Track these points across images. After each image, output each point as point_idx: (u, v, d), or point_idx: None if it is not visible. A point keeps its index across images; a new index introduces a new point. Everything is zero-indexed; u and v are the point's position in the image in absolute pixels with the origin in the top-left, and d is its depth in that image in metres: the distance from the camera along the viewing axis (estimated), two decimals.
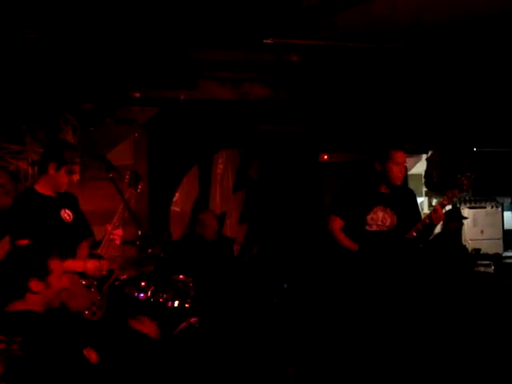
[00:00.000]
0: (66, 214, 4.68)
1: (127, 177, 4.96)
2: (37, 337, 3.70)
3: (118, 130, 7.16)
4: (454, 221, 7.73)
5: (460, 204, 8.93)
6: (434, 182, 8.76)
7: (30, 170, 6.41)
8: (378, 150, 5.28)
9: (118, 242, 4.84)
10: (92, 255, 4.65)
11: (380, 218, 5.18)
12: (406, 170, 5.37)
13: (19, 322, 3.63)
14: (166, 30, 5.94)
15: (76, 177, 4.65)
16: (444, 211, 5.23)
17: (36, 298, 3.70)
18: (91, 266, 4.55)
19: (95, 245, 4.76)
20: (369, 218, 5.18)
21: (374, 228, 5.18)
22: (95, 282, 4.62)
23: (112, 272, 4.81)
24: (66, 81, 6.44)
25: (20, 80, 6.28)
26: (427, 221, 5.13)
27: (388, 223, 5.19)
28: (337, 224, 5.27)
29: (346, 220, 5.26)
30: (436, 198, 9.13)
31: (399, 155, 5.18)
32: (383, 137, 7.64)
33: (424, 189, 9.35)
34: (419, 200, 10.01)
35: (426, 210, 9.24)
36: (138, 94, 6.95)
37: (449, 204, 5.30)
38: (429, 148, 8.74)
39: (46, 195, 4.62)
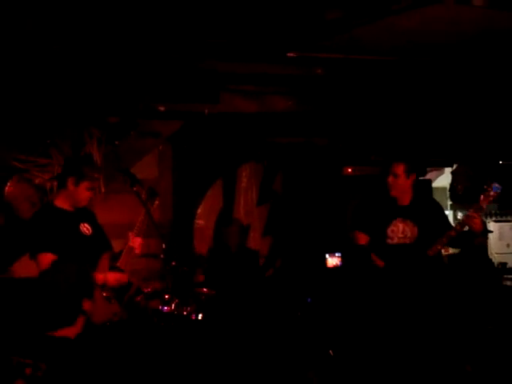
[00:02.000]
0: (85, 228, 4.81)
1: (144, 192, 5.06)
2: (62, 365, 3.75)
3: (143, 143, 7.23)
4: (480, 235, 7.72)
5: (486, 217, 8.92)
6: (460, 196, 8.75)
7: (56, 184, 6.52)
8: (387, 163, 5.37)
9: (137, 251, 4.93)
10: (112, 268, 4.76)
11: (400, 230, 5.21)
12: (411, 183, 5.37)
13: (50, 348, 3.67)
14: (189, 44, 6.01)
15: (95, 193, 4.76)
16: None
17: (82, 320, 3.66)
18: (112, 277, 4.66)
19: (115, 258, 4.86)
20: (389, 230, 5.22)
21: (396, 241, 5.22)
22: (115, 294, 4.73)
23: (131, 284, 4.91)
24: (91, 94, 6.52)
25: (45, 93, 6.36)
26: (453, 234, 5.14)
27: (409, 235, 5.21)
28: (362, 239, 5.35)
29: (369, 234, 5.32)
30: (461, 211, 9.11)
31: (395, 165, 5.25)
32: (406, 149, 7.68)
33: (449, 202, 9.34)
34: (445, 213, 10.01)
35: (452, 223, 9.23)
36: (162, 108, 7.00)
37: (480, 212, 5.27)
38: (453, 161, 8.74)
39: (64, 210, 4.73)
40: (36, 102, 6.43)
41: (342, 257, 7.43)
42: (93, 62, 6.21)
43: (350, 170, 7.92)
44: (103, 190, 6.57)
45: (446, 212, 9.32)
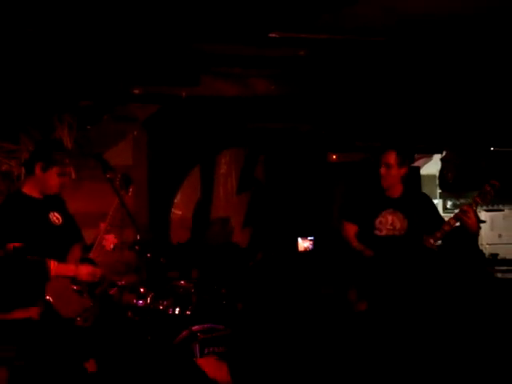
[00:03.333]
0: (55, 217, 4.66)
1: (118, 180, 4.92)
2: (33, 345, 3.75)
3: (117, 128, 7.15)
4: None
5: (476, 207, 8.87)
6: (450, 184, 8.74)
7: (23, 171, 6.39)
8: (379, 152, 5.33)
9: (108, 248, 4.81)
10: (84, 260, 4.63)
11: (389, 222, 5.17)
12: (403, 174, 5.32)
13: (20, 330, 3.67)
14: (167, 23, 5.90)
15: (67, 179, 4.61)
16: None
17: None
18: (84, 270, 4.54)
19: (86, 249, 4.74)
20: (377, 221, 5.19)
21: (384, 233, 5.18)
22: (87, 288, 4.60)
23: (104, 278, 4.79)
24: (62, 77, 6.42)
25: (15, 76, 6.26)
26: (446, 228, 5.08)
27: (398, 227, 5.16)
28: (350, 229, 5.34)
29: (357, 225, 5.29)
30: (451, 200, 9.08)
31: (386, 155, 5.20)
32: (393, 135, 7.63)
33: (438, 190, 9.31)
34: (434, 202, 9.98)
35: (440, 213, 9.17)
36: (137, 91, 6.91)
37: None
38: (443, 147, 8.71)
39: (33, 197, 4.58)
40: (5, 86, 6.30)
41: (315, 240, 7.41)
42: (64, 44, 6.10)
43: (334, 156, 7.88)
44: (74, 176, 6.42)
45: (435, 201, 9.29)
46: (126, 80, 6.78)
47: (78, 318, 4.48)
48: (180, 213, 7.63)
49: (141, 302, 5.64)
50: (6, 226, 4.39)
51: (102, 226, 4.81)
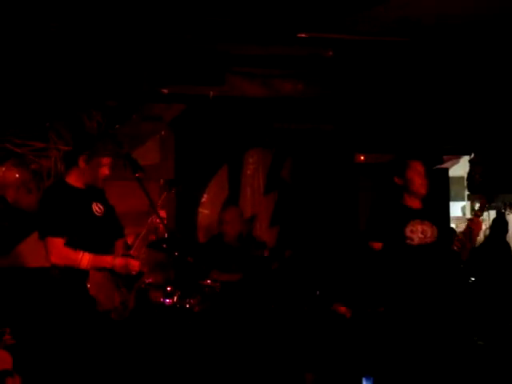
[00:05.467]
0: (98, 208, 4.72)
1: (162, 182, 5.04)
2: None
3: (144, 127, 7.21)
4: (500, 228, 7.73)
5: (505, 209, 8.89)
6: (477, 186, 8.71)
7: (53, 168, 6.50)
8: (395, 163, 5.29)
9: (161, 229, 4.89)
10: (125, 255, 4.72)
11: (420, 230, 5.08)
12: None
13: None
14: (194, 24, 5.97)
15: (106, 170, 4.70)
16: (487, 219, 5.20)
17: None
18: (119, 262, 4.59)
19: (128, 247, 4.82)
20: (407, 230, 5.06)
21: (417, 241, 5.06)
22: (124, 281, 4.68)
23: (142, 274, 4.88)
24: (92, 77, 6.48)
25: (45, 76, 6.34)
26: (467, 231, 5.12)
27: (429, 235, 5.09)
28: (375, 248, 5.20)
29: (384, 242, 5.16)
30: (479, 202, 9.07)
31: (417, 164, 5.14)
32: (421, 136, 7.63)
33: (466, 192, 9.30)
34: (461, 204, 9.98)
35: (468, 215, 9.21)
36: (165, 91, 6.95)
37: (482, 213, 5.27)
38: (471, 149, 8.70)
39: (76, 187, 4.66)
40: (35, 85, 6.39)
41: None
42: (94, 43, 6.17)
43: (362, 157, 7.88)
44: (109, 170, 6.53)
45: (463, 203, 9.33)
46: (153, 80, 6.81)
47: (114, 311, 4.58)
48: (207, 212, 7.68)
49: (168, 300, 5.74)
50: (51, 216, 4.49)
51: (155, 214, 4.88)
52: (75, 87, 6.54)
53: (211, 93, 7.08)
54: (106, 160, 4.67)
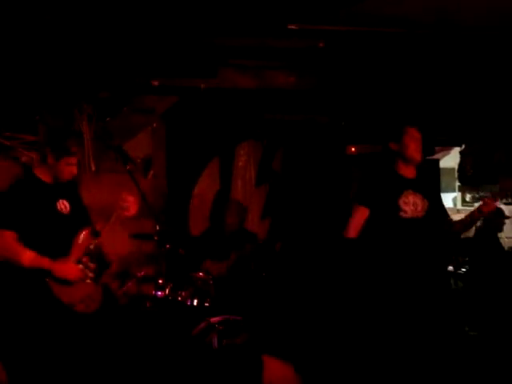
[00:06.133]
0: (63, 206, 4.71)
1: (138, 163, 5.01)
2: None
3: (136, 120, 7.17)
4: (495, 217, 7.73)
5: (496, 199, 8.88)
6: (468, 177, 8.72)
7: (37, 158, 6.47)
8: (391, 129, 5.25)
9: (133, 211, 4.84)
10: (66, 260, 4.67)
11: (411, 202, 5.02)
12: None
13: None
14: (185, 16, 5.95)
15: (74, 169, 4.70)
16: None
17: None
18: (57, 267, 4.54)
19: (96, 234, 4.79)
20: (401, 201, 4.99)
21: (410, 214, 5.00)
22: (91, 274, 4.69)
23: (109, 264, 4.86)
24: (83, 69, 6.46)
25: (34, 68, 6.31)
26: (476, 213, 5.09)
27: (420, 208, 5.03)
28: (359, 215, 5.11)
29: (372, 209, 5.08)
30: (470, 193, 9.09)
31: (414, 130, 5.09)
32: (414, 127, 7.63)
33: (457, 183, 9.32)
34: (452, 195, 10.00)
35: (459, 206, 9.22)
36: (156, 83, 6.93)
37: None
38: (462, 140, 8.71)
39: (43, 181, 4.67)
40: (24, 77, 6.36)
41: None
42: (86, 35, 6.14)
43: (353, 149, 7.88)
44: (94, 168, 6.53)
45: (454, 194, 9.34)
46: (144, 72, 6.81)
47: (79, 304, 4.57)
48: (198, 204, 7.66)
49: (159, 292, 5.73)
50: (5, 205, 4.49)
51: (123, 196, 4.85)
52: (66, 79, 6.52)
53: (202, 85, 7.07)
54: (73, 159, 4.68)
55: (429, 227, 5.05)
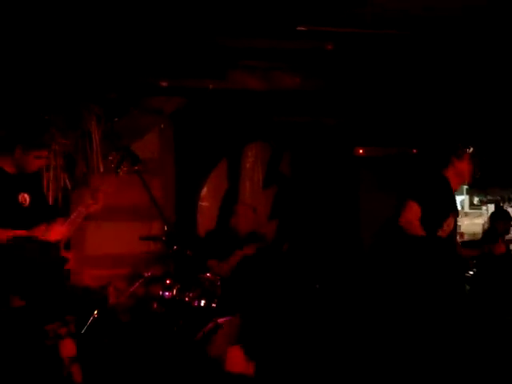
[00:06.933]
0: (23, 198, 4.69)
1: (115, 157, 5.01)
2: None
3: (144, 120, 7.18)
4: (503, 220, 7.72)
5: (504, 203, 8.89)
6: (476, 180, 8.70)
7: (53, 162, 6.47)
8: (454, 142, 5.25)
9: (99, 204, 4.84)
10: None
11: (447, 223, 5.08)
12: None
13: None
14: (194, 17, 5.95)
15: (43, 161, 4.73)
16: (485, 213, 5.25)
17: None
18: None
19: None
20: (445, 224, 5.05)
21: (444, 234, 5.05)
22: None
23: (66, 261, 4.84)
24: (91, 69, 6.46)
25: (43, 68, 6.31)
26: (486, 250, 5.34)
27: (451, 228, 5.11)
28: (416, 212, 4.99)
29: (423, 211, 5.02)
30: (478, 196, 9.08)
31: (467, 151, 5.24)
32: (420, 131, 7.63)
33: (465, 186, 9.30)
34: (460, 198, 9.99)
35: (466, 209, 9.20)
36: (165, 83, 6.92)
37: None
38: (470, 143, 8.67)
39: (7, 172, 4.65)
40: (33, 77, 6.36)
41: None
42: (94, 35, 6.13)
43: (361, 151, 7.88)
44: (102, 169, 6.53)
45: (462, 197, 9.31)
46: (153, 73, 6.82)
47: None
48: (207, 205, 7.69)
49: (167, 293, 5.75)
50: None
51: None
52: (74, 80, 6.51)
53: (210, 86, 7.07)
54: (43, 152, 4.69)
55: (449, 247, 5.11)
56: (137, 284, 6.17)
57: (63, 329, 4.52)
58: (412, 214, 4.95)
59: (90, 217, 4.91)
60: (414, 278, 4.98)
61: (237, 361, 5.39)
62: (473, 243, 7.66)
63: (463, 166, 5.18)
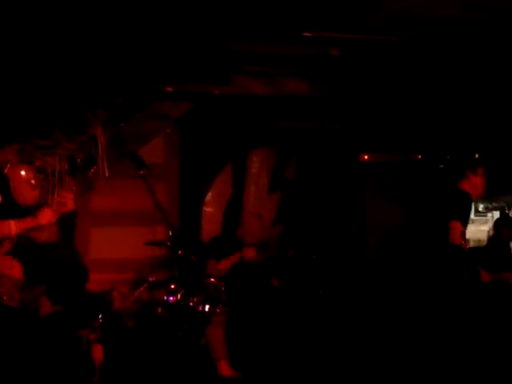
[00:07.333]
0: None
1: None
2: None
3: (150, 125, 7.21)
4: (508, 227, 7.70)
5: (509, 209, 8.87)
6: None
7: (58, 166, 6.49)
8: (469, 156, 5.35)
9: (70, 207, 4.92)
10: None
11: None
12: None
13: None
14: (199, 22, 5.96)
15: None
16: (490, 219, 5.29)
17: None
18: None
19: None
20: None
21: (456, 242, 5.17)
22: None
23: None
24: (97, 74, 6.47)
25: (50, 73, 6.33)
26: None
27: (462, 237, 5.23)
28: (459, 230, 5.22)
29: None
30: (483, 203, 9.06)
31: (482, 166, 5.35)
32: (426, 137, 7.62)
33: None
34: None
35: (472, 216, 9.15)
36: (170, 88, 6.94)
37: None
38: (476, 150, 8.65)
39: None
40: (40, 82, 6.37)
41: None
42: (100, 40, 6.15)
43: (366, 157, 7.86)
44: (107, 174, 6.54)
45: None
46: (159, 78, 6.83)
47: (4, 297, 4.58)
48: (211, 210, 7.69)
49: (171, 298, 5.74)
50: None
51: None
52: (81, 85, 6.52)
53: (216, 91, 7.08)
54: None
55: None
56: (141, 289, 6.17)
57: (93, 334, 4.60)
58: (459, 233, 5.17)
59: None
60: (430, 286, 5.10)
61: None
62: (477, 250, 7.66)
63: (478, 181, 5.26)
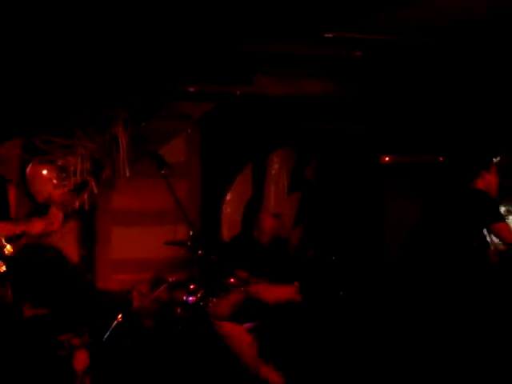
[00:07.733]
0: None
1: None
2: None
3: (171, 125, 7.20)
4: None
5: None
6: (504, 189, 8.62)
7: (79, 165, 6.51)
8: (481, 153, 5.35)
9: (56, 226, 4.95)
10: None
11: None
12: None
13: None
14: (222, 22, 5.96)
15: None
16: None
17: None
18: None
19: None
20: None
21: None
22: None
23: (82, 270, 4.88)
24: (118, 74, 6.49)
25: (72, 72, 6.36)
26: None
27: None
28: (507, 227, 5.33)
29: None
30: (505, 206, 8.98)
31: (495, 167, 5.41)
32: (449, 138, 7.57)
33: None
34: None
35: None
36: (192, 89, 6.95)
37: None
38: (498, 152, 8.60)
39: None
40: (62, 82, 6.40)
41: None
42: (120, 40, 6.16)
43: (387, 158, 7.83)
44: (128, 173, 6.56)
45: None
46: (181, 78, 6.84)
47: None
48: (231, 210, 7.68)
49: (191, 298, 5.75)
50: None
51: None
52: (103, 84, 6.55)
53: (238, 91, 7.08)
54: None
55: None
56: (161, 288, 6.18)
57: (77, 339, 4.53)
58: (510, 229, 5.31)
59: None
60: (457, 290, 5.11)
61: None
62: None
63: (491, 178, 5.26)
